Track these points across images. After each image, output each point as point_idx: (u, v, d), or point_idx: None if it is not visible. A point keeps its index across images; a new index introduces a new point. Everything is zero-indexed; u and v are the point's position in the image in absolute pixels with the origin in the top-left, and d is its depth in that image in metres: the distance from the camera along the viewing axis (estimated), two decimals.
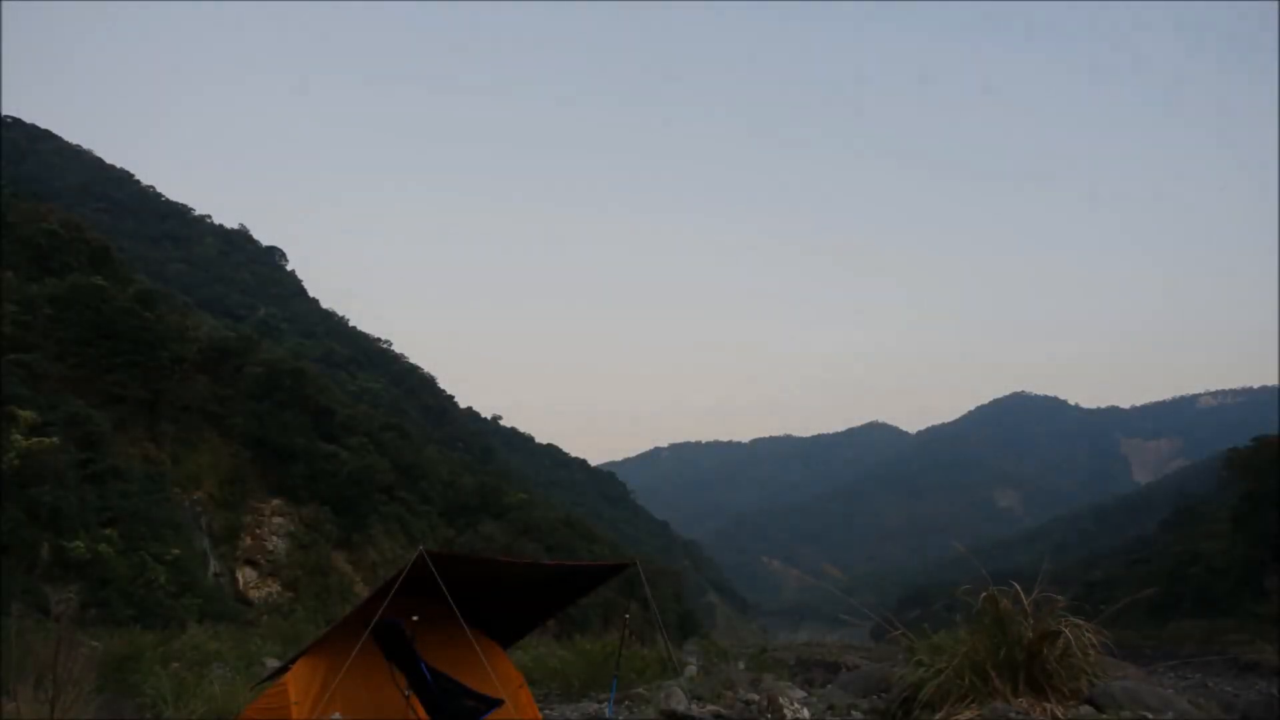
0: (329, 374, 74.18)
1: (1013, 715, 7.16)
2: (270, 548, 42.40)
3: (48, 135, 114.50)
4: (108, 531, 30.54)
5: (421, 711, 7.61)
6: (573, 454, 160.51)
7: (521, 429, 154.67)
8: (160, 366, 41.60)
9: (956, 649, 7.93)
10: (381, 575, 33.89)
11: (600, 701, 13.05)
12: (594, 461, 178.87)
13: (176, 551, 33.33)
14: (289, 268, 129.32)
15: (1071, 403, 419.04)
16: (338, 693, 7.33)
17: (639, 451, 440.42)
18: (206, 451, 43.45)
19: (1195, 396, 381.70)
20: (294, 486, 46.35)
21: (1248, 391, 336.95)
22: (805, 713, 10.00)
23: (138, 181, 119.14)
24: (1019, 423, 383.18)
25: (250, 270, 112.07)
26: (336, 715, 7.29)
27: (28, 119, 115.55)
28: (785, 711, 9.82)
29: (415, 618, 7.47)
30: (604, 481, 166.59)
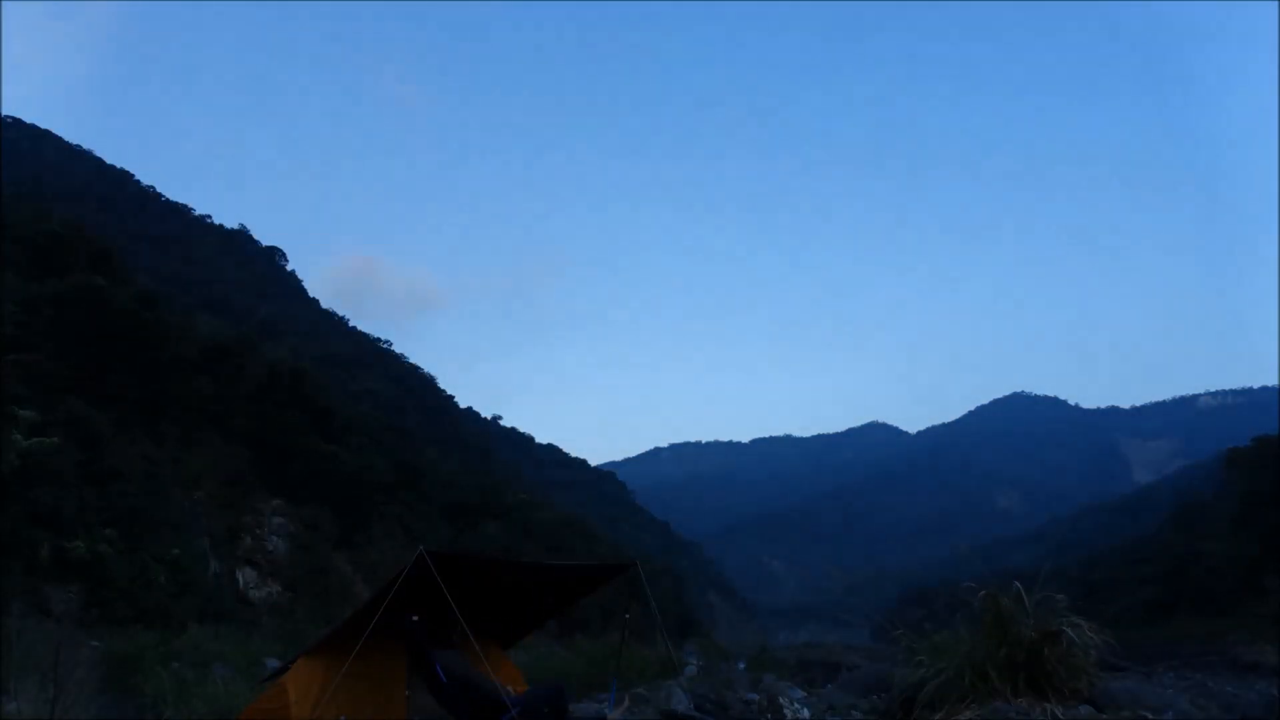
0: (329, 374, 74.18)
1: (1013, 715, 7.17)
2: (270, 548, 42.39)
3: (48, 135, 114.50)
4: (108, 531, 30.49)
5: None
6: (573, 454, 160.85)
7: (521, 429, 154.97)
8: (160, 366, 41.58)
9: (957, 649, 7.93)
10: (382, 575, 33.85)
11: (600, 702, 13.05)
12: (594, 461, 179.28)
13: (176, 551, 33.30)
14: (289, 268, 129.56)
15: (1071, 403, 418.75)
16: (337, 693, 7.33)
17: (639, 451, 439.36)
18: (206, 451, 43.42)
19: (1195, 396, 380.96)
20: (294, 486, 46.34)
21: (1248, 391, 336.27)
22: (805, 713, 10.00)
23: (138, 181, 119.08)
24: (1019, 423, 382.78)
25: (250, 270, 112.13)
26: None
27: (28, 119, 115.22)
28: (785, 711, 9.82)
29: (416, 617, 7.47)
30: (604, 481, 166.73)
